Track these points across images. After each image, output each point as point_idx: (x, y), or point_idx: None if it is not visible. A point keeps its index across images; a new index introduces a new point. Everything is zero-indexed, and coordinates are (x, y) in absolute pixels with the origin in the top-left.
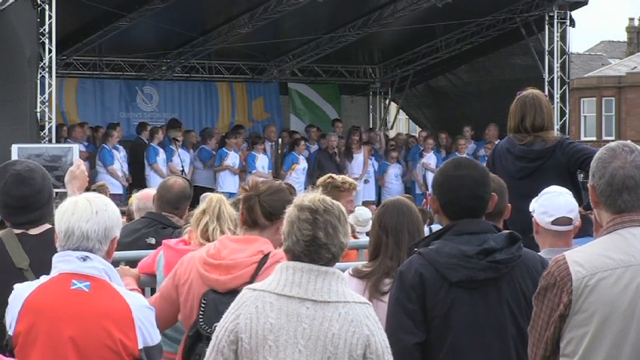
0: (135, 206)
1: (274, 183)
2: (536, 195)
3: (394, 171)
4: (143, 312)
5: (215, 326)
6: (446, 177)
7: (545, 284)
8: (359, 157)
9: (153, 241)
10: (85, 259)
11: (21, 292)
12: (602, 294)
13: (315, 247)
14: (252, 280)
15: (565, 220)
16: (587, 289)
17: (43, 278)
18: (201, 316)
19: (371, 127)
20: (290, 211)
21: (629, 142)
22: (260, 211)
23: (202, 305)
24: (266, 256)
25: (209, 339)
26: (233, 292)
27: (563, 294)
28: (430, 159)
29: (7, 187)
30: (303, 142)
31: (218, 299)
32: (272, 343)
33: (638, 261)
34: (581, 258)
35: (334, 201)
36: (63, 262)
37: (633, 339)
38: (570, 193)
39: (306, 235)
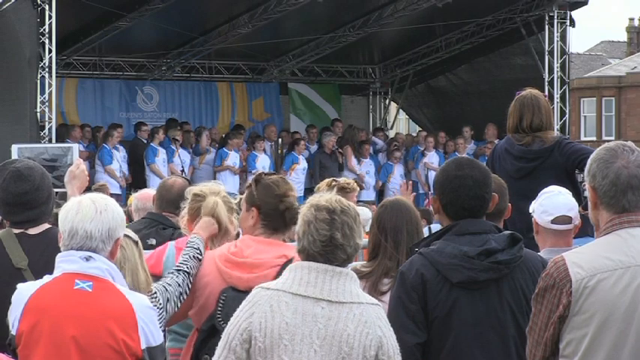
0: (134, 206)
1: (287, 188)
2: (536, 195)
3: (399, 171)
4: (146, 312)
5: None
6: (447, 177)
7: (544, 285)
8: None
9: (154, 242)
10: (88, 259)
11: (24, 291)
12: (601, 295)
13: (332, 247)
14: None
15: (565, 219)
16: (587, 291)
17: (46, 278)
18: (219, 312)
19: (371, 126)
20: (306, 210)
21: (627, 142)
22: (291, 222)
23: (221, 301)
24: (289, 260)
25: None
26: None
27: (563, 295)
28: (432, 158)
29: (5, 183)
30: (302, 142)
31: (238, 297)
32: (287, 343)
33: (638, 262)
34: (580, 259)
35: (349, 202)
36: (66, 262)
37: (633, 340)
38: (569, 192)
39: (324, 236)
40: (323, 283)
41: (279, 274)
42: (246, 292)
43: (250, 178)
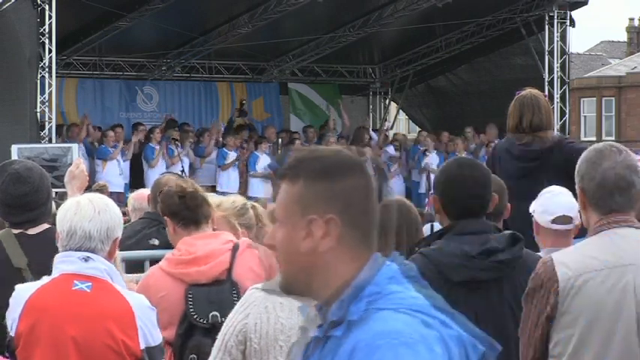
0: (130, 206)
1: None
2: (536, 195)
3: (397, 170)
4: (145, 312)
5: (212, 315)
6: (448, 177)
7: (533, 286)
8: None
9: (156, 242)
10: (86, 259)
11: (22, 292)
12: (588, 295)
13: None
14: (231, 267)
15: (565, 219)
16: (573, 291)
17: (45, 279)
18: (191, 310)
19: (371, 127)
20: None
21: (616, 143)
22: (199, 207)
23: (189, 300)
24: (236, 244)
25: (206, 329)
26: (218, 282)
27: (550, 295)
28: (433, 159)
29: (5, 185)
30: (298, 142)
31: (207, 290)
32: (283, 344)
33: (624, 262)
34: (568, 259)
35: None
36: (65, 263)
37: (620, 340)
38: (570, 192)
39: None
40: None
41: (232, 257)
42: (212, 285)
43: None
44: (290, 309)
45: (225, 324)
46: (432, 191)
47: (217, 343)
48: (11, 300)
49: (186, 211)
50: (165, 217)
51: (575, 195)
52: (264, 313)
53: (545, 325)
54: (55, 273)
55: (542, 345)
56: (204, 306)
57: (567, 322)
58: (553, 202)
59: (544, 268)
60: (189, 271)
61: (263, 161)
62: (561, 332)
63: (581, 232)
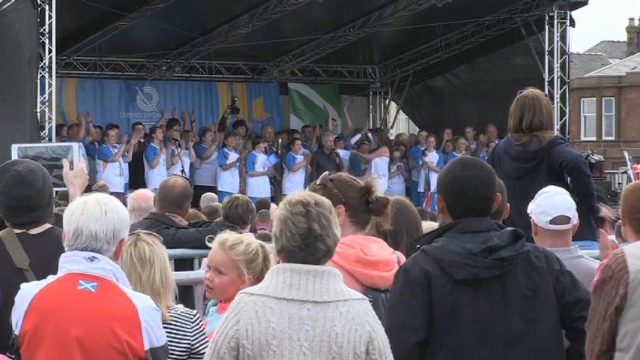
0: (129, 206)
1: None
2: (534, 195)
3: (397, 171)
4: (149, 313)
5: None
6: (453, 177)
7: (603, 277)
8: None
9: None
10: (92, 259)
11: (28, 291)
12: None
13: (311, 239)
14: None
15: (563, 219)
16: None
17: (50, 278)
18: None
19: (371, 127)
20: (281, 209)
21: None
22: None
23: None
24: (399, 259)
25: None
26: (387, 292)
27: (620, 286)
28: (433, 158)
29: (7, 187)
30: (298, 142)
31: (383, 297)
32: (276, 348)
33: None
34: (639, 251)
35: (322, 197)
36: (70, 263)
37: None
38: (567, 192)
39: (301, 228)
40: (307, 285)
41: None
42: (385, 292)
43: (320, 180)
44: (280, 313)
45: (216, 331)
46: (431, 190)
47: (209, 350)
48: (17, 298)
49: None
50: (339, 205)
51: (571, 194)
52: (254, 319)
53: (614, 317)
54: (61, 272)
55: (610, 337)
56: (381, 313)
57: (636, 314)
58: (550, 203)
59: (615, 259)
60: (372, 273)
61: (261, 161)
62: (629, 324)
63: (579, 232)
